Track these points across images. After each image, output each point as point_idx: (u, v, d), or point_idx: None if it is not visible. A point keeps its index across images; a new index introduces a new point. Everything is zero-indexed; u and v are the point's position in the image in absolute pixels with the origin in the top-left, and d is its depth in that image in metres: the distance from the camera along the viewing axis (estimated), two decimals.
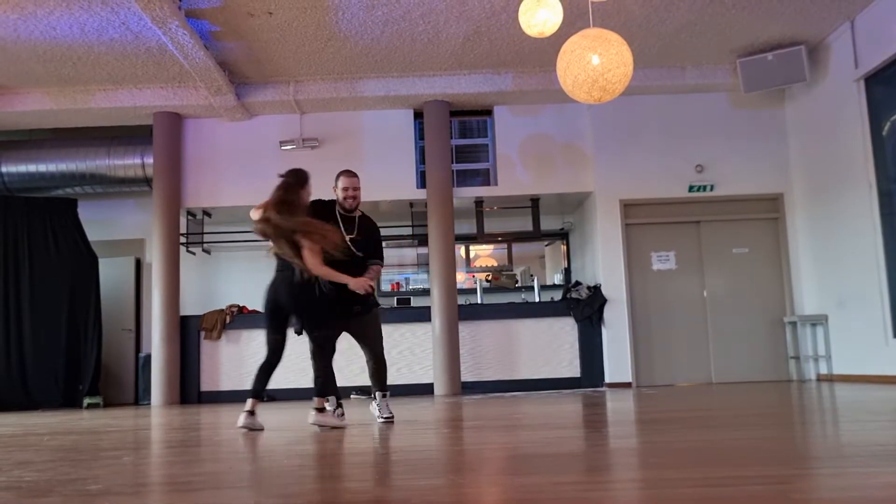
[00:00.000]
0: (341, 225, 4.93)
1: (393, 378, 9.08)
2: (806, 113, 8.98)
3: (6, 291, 9.26)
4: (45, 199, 9.87)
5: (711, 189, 9.30)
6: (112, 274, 10.26)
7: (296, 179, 4.76)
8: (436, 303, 9.05)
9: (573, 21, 7.07)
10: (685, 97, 9.40)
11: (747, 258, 9.33)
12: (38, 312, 9.30)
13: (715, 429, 3.93)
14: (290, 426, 5.13)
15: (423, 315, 9.19)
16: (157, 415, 7.22)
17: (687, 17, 7.81)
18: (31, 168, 9.70)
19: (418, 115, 9.63)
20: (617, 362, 9.09)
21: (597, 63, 5.10)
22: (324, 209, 5.00)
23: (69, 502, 2.28)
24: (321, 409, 4.76)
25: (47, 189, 9.93)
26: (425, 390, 9.02)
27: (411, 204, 9.77)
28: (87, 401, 9.20)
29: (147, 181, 9.70)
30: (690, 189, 9.30)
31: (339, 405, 5.06)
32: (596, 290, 9.21)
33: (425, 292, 10.11)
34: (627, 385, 9.01)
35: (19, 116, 9.27)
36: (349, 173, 5.06)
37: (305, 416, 4.90)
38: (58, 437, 4.75)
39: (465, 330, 9.18)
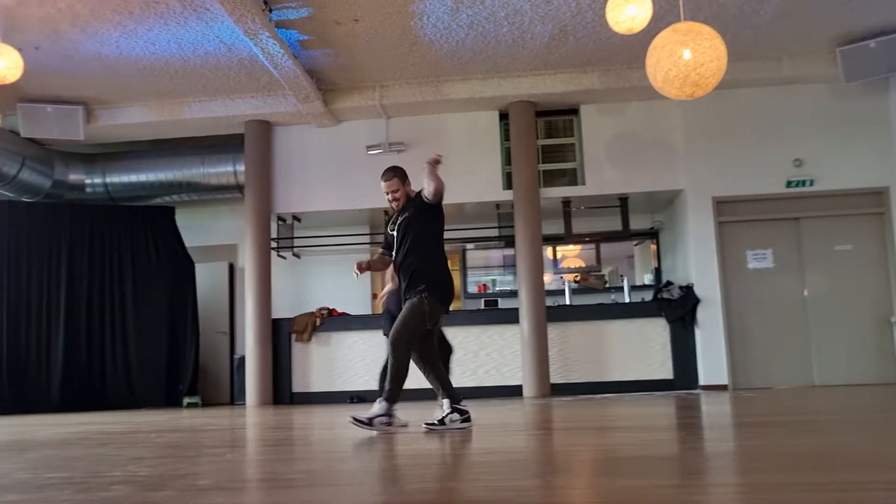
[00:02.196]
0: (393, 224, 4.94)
1: (481, 380, 9.15)
2: None
3: (112, 295, 9.72)
4: (146, 207, 10.34)
5: (811, 184, 8.93)
6: (207, 278, 10.64)
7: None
8: (523, 304, 8.99)
9: (662, 16, 6.91)
10: (781, 89, 9.05)
11: (851, 255, 8.90)
12: (140, 315, 9.74)
13: (820, 433, 3.76)
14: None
15: (511, 317, 9.15)
16: (253, 414, 7.43)
17: (783, 6, 7.53)
18: (133, 178, 10.18)
19: (503, 116, 9.61)
20: (712, 364, 8.82)
21: (688, 58, 4.97)
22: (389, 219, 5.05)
23: (183, 496, 2.37)
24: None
25: (147, 198, 10.40)
26: (514, 392, 8.98)
27: (497, 205, 9.75)
28: (186, 400, 9.57)
29: (239, 188, 10.02)
30: (788, 184, 8.95)
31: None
32: (688, 290, 8.97)
33: (513, 294, 10.07)
34: (723, 387, 8.73)
35: (121, 129, 9.73)
36: (382, 176, 4.90)
37: (407, 415, 4.93)
38: (163, 435, 4.95)
39: (554, 331, 9.09)
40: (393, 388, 4.52)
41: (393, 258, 4.87)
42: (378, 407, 4.50)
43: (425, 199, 4.74)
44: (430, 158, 4.66)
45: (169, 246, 10.03)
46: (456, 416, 4.60)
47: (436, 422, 4.57)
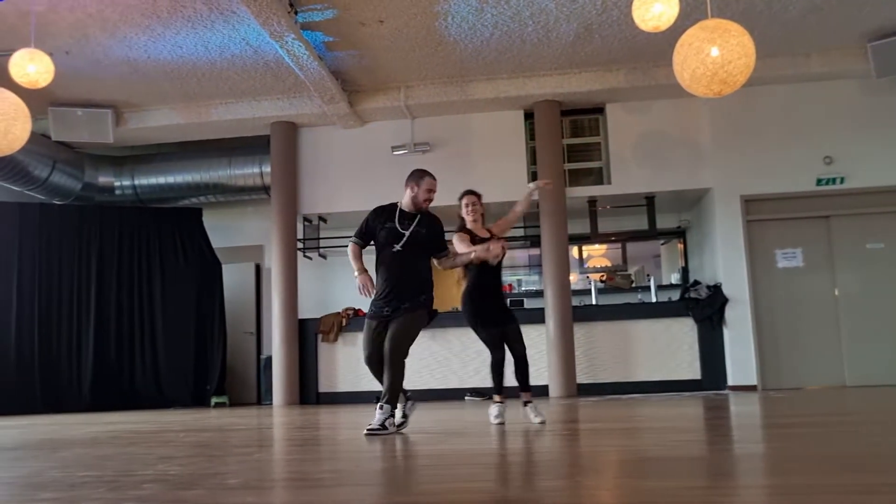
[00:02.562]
0: (400, 222, 4.80)
1: (507, 380, 9.09)
2: None
3: (140, 296, 9.83)
4: (174, 209, 10.44)
5: (841, 182, 8.80)
6: (234, 279, 10.71)
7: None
8: (549, 304, 8.96)
9: (689, 13, 6.84)
10: (811, 86, 8.92)
11: (883, 254, 8.75)
12: (168, 316, 9.83)
13: (852, 434, 3.70)
14: (417, 426, 5.19)
15: (537, 317, 9.12)
16: (279, 414, 7.48)
17: (812, 2, 7.42)
18: (161, 180, 10.29)
19: (529, 116, 9.58)
20: (740, 364, 8.72)
21: (716, 55, 4.91)
22: (384, 212, 4.89)
23: (213, 495, 2.39)
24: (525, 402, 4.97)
25: (175, 199, 10.51)
26: (540, 392, 8.93)
27: None
28: (214, 400, 9.65)
29: (265, 189, 10.09)
30: (818, 182, 8.83)
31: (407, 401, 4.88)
32: (716, 290, 8.88)
33: (538, 294, 10.03)
34: (752, 388, 8.63)
35: (150, 132, 9.84)
36: (431, 175, 4.90)
37: (432, 416, 4.94)
38: (192, 434, 5.00)
39: (580, 331, 9.05)
40: (394, 395, 4.58)
41: (388, 254, 4.76)
42: (381, 414, 4.50)
43: (439, 252, 4.85)
44: (491, 251, 4.61)
45: (196, 247, 10.12)
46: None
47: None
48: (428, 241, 4.80)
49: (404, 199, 4.87)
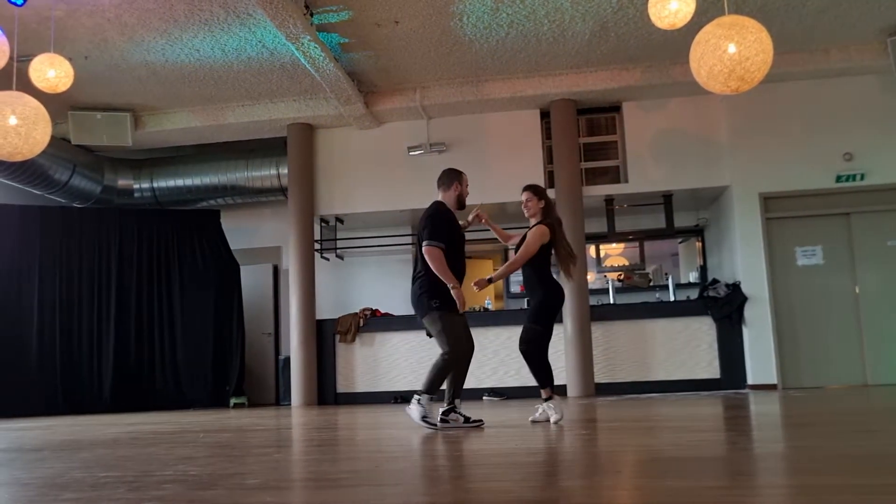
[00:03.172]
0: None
1: (524, 380, 9.08)
2: None
3: (160, 298, 9.91)
4: (192, 211, 10.52)
5: (862, 178, 8.71)
6: (252, 280, 10.77)
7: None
8: (567, 303, 8.92)
9: (705, 9, 6.79)
10: (830, 82, 8.84)
11: None
12: (187, 317, 9.90)
13: (874, 434, 3.67)
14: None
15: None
16: (298, 415, 7.51)
17: None
18: (179, 182, 10.37)
19: (545, 115, 9.56)
20: (760, 363, 8.65)
21: (733, 52, 4.87)
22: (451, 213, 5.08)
23: (233, 495, 2.41)
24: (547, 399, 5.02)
25: (193, 202, 10.59)
26: (558, 391, 8.89)
27: None
28: (233, 401, 9.70)
29: (282, 191, 10.14)
30: (838, 179, 8.74)
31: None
32: (735, 288, 8.82)
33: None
34: (772, 387, 8.56)
35: (168, 135, 9.92)
36: (463, 175, 5.18)
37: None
38: (211, 435, 5.03)
39: (598, 331, 9.01)
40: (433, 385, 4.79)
41: (460, 252, 4.98)
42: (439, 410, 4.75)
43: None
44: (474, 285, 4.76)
45: (215, 249, 10.18)
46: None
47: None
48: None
49: (448, 200, 5.02)
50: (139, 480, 2.81)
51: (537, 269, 5.08)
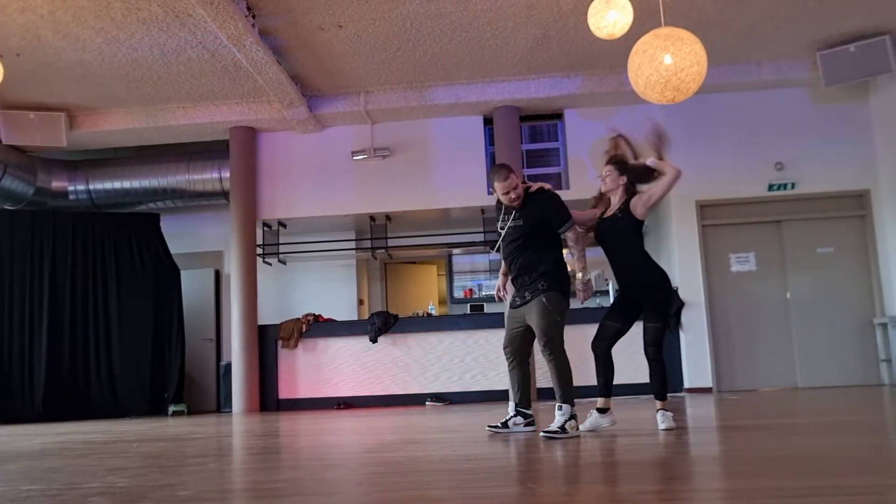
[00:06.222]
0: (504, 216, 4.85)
1: (467, 385, 9.14)
2: (892, 105, 8.60)
3: (95, 303, 9.64)
4: (130, 214, 10.27)
5: (793, 187, 9.00)
6: (193, 285, 10.58)
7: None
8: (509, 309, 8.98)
9: (643, 21, 6.95)
10: (762, 93, 9.13)
11: (833, 258, 8.98)
12: (125, 323, 9.66)
13: (804, 436, 3.78)
14: (380, 433, 5.17)
15: (497, 322, 9.16)
16: (239, 422, 7.39)
17: (762, 12, 7.59)
18: (116, 185, 10.12)
19: (488, 122, 9.63)
20: (696, 367, 8.86)
21: (669, 63, 5.00)
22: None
23: None
24: (603, 410, 4.85)
25: (131, 205, 10.34)
26: (500, 397, 8.98)
27: (482, 210, 9.76)
28: (172, 408, 9.50)
29: (224, 194, 9.99)
30: (770, 188, 9.03)
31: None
32: (673, 293, 9.01)
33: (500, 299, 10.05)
34: (708, 390, 8.77)
35: (105, 135, 9.67)
36: (497, 176, 4.70)
37: (392, 422, 4.92)
38: (146, 444, 4.91)
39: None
40: (567, 392, 4.60)
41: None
42: (561, 414, 4.44)
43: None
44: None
45: (154, 253, 9.97)
46: (520, 419, 4.81)
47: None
48: (533, 226, 4.77)
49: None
50: (63, 493, 2.73)
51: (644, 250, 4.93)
